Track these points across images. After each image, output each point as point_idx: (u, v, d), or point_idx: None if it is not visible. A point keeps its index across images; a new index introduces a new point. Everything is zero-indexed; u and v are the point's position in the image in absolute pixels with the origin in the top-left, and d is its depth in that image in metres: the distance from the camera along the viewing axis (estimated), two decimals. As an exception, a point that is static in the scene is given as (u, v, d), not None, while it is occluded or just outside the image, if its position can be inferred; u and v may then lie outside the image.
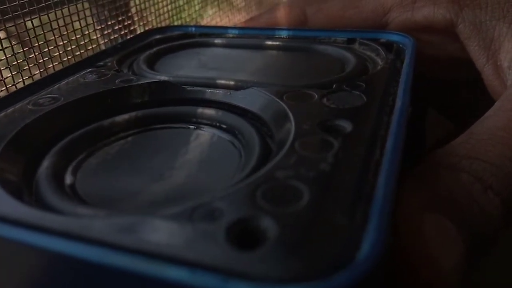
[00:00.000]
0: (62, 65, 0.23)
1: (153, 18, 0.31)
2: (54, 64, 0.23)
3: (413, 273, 0.12)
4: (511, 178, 0.14)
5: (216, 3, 0.41)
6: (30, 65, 0.22)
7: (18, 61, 0.21)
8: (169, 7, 0.33)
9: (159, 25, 0.32)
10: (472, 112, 0.17)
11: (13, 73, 0.21)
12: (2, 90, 0.21)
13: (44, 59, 0.23)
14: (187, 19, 0.36)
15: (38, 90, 0.18)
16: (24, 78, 0.22)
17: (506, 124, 0.15)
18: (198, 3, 0.38)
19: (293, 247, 0.09)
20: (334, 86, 0.16)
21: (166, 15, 0.33)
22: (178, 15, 0.35)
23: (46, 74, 0.23)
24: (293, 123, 0.14)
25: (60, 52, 0.23)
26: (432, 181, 0.14)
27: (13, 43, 0.21)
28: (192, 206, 0.10)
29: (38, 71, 0.22)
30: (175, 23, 0.34)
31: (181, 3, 0.35)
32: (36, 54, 0.22)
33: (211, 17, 0.40)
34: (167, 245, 0.09)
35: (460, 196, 0.13)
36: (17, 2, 0.21)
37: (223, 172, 0.14)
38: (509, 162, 0.14)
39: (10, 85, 0.21)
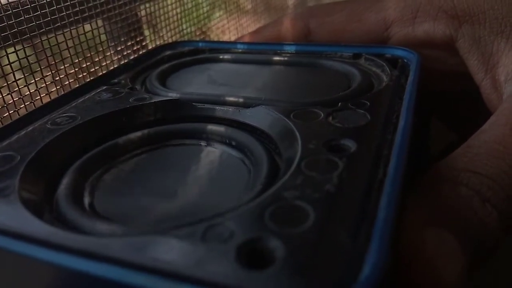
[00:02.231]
0: (78, 82, 0.24)
1: (163, 26, 0.32)
2: (70, 81, 0.24)
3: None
4: (507, 191, 0.14)
5: (223, 5, 0.41)
6: (47, 83, 0.23)
7: (36, 80, 0.22)
8: (178, 9, 0.34)
9: (168, 31, 0.33)
10: (476, 123, 0.18)
11: (31, 91, 0.22)
12: (21, 107, 0.22)
13: (61, 76, 0.23)
14: (195, 21, 0.37)
15: (56, 108, 0.18)
16: (42, 96, 0.23)
17: (501, 138, 0.16)
18: (207, 5, 0.39)
19: (299, 268, 0.09)
20: (339, 104, 0.17)
21: (176, 17, 0.33)
22: (187, 17, 0.35)
23: (62, 91, 0.23)
24: (299, 143, 0.14)
25: (76, 69, 0.24)
26: (432, 195, 0.14)
27: (31, 61, 0.22)
28: (204, 226, 0.11)
29: (55, 88, 0.23)
30: (184, 26, 0.35)
31: (189, 6, 0.36)
32: (53, 72, 0.23)
33: (219, 19, 0.41)
34: (181, 264, 0.10)
35: (460, 208, 0.14)
36: (34, 23, 0.22)
37: (233, 190, 0.14)
38: (505, 175, 0.14)
39: (28, 103, 0.22)
